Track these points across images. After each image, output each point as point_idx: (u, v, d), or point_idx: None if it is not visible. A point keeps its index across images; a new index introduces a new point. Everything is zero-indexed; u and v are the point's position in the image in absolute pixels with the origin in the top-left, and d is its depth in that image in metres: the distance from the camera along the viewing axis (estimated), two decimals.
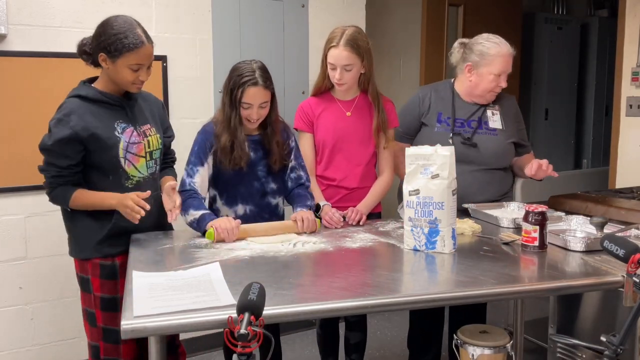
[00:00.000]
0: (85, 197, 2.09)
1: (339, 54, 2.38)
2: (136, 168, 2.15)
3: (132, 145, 2.12)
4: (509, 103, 2.70)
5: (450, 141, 2.51)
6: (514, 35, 5.11)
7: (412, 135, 2.67)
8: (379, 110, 2.50)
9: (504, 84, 2.52)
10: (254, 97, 2.22)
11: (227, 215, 2.33)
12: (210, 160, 2.31)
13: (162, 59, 3.08)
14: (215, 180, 2.37)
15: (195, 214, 2.19)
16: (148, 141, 2.19)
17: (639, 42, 3.69)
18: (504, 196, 2.66)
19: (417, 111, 2.65)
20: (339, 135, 2.52)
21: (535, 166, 2.44)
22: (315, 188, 2.51)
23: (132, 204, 2.00)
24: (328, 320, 2.74)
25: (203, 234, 2.14)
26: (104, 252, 2.12)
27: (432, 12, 4.57)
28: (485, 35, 2.55)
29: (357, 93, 2.56)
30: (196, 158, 2.30)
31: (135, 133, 2.14)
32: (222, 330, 1.26)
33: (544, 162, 2.45)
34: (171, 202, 2.14)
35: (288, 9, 3.47)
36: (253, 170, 2.35)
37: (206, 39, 3.22)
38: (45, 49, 2.77)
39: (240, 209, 2.38)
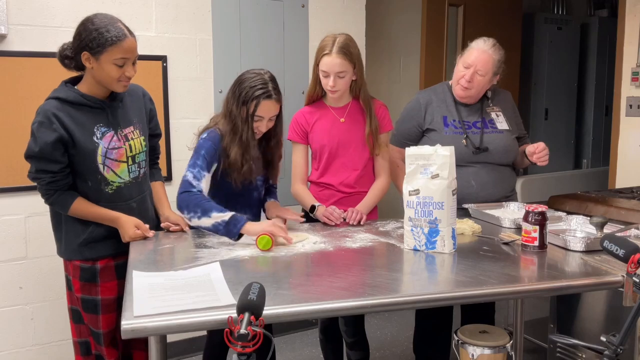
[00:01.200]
0: (86, 209, 2.08)
1: (332, 61, 2.38)
2: (116, 174, 2.10)
3: (112, 150, 2.07)
4: (505, 98, 2.71)
5: (464, 142, 2.51)
6: (514, 35, 5.12)
7: (413, 141, 2.62)
8: (371, 117, 2.51)
9: (467, 77, 2.48)
10: (267, 111, 2.19)
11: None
12: (214, 168, 2.24)
13: (162, 59, 3.08)
14: (217, 190, 2.30)
15: (222, 215, 2.07)
16: (130, 145, 2.12)
17: (639, 42, 3.69)
18: (512, 192, 2.66)
19: (420, 117, 2.62)
20: (335, 141, 2.53)
21: (532, 149, 2.47)
22: (306, 191, 2.56)
23: (135, 236, 2.08)
24: (327, 322, 2.73)
25: (236, 237, 2.05)
26: (84, 255, 2.10)
27: (432, 12, 4.57)
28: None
29: (349, 99, 2.56)
30: (203, 162, 2.19)
31: (115, 138, 2.08)
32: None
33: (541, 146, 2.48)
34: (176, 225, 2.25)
35: (288, 9, 3.47)
36: (253, 181, 2.34)
37: (206, 39, 3.22)
38: (45, 49, 2.77)
39: None
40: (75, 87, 2.06)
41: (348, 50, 2.39)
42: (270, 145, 2.34)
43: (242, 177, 2.25)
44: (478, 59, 2.47)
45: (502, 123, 2.61)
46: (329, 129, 2.54)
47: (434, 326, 2.67)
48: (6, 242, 2.81)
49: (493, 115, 2.62)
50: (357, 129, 2.53)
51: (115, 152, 2.07)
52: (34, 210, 2.83)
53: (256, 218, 2.42)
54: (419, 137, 2.63)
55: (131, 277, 1.67)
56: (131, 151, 2.13)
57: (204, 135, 2.27)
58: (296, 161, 2.59)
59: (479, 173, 2.53)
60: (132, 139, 2.13)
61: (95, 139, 2.03)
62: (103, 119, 2.07)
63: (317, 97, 2.58)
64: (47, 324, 2.95)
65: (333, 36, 2.43)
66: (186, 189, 2.16)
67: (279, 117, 2.30)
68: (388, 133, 2.61)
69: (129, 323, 1.38)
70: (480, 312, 2.61)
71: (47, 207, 2.87)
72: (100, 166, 2.05)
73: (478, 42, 2.53)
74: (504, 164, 2.60)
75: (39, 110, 2.00)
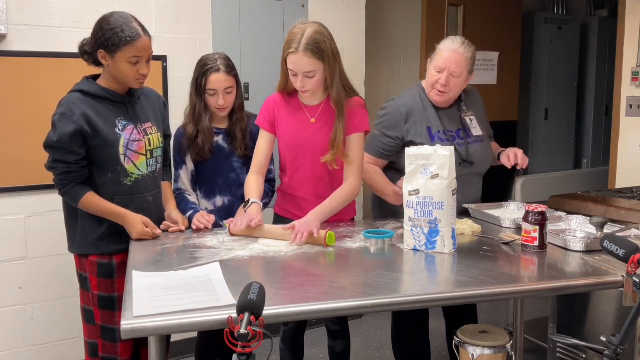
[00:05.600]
0: (95, 204, 2.10)
1: (299, 61, 2.12)
2: (136, 166, 2.16)
3: (133, 142, 2.14)
4: (475, 99, 2.63)
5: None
6: (514, 35, 5.12)
7: (391, 153, 2.49)
8: (340, 121, 2.24)
9: (442, 81, 2.37)
10: (217, 83, 2.33)
11: (206, 209, 2.44)
12: (188, 159, 2.44)
13: (162, 59, 3.08)
14: (198, 174, 2.48)
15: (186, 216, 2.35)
16: (149, 139, 2.20)
17: (639, 42, 3.69)
18: (480, 199, 2.64)
19: (400, 130, 2.46)
20: (301, 146, 2.30)
21: (512, 156, 2.47)
22: (255, 185, 2.31)
23: (143, 232, 2.09)
24: (290, 331, 2.54)
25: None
26: (101, 249, 2.13)
27: (432, 12, 4.57)
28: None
29: (324, 97, 2.30)
30: (176, 163, 2.46)
31: (135, 131, 2.16)
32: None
33: (519, 152, 2.48)
34: (175, 226, 2.26)
35: (288, 9, 3.47)
36: (229, 161, 2.44)
37: (206, 39, 3.22)
38: (45, 49, 2.77)
39: (219, 200, 2.48)
40: (95, 82, 2.15)
41: (317, 47, 2.12)
42: (232, 121, 2.45)
43: (197, 151, 2.40)
44: (450, 59, 2.37)
45: (476, 128, 2.54)
46: (297, 129, 2.31)
47: (411, 328, 2.66)
48: (6, 242, 2.81)
49: (467, 120, 2.54)
50: (328, 132, 2.27)
51: (135, 144, 2.15)
52: (34, 210, 2.84)
53: (236, 199, 2.47)
54: (398, 149, 2.45)
55: (131, 277, 1.67)
56: (150, 145, 2.20)
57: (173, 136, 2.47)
58: (258, 150, 2.36)
59: (464, 186, 2.42)
60: (150, 134, 2.22)
61: (117, 130, 2.11)
62: (123, 112, 2.15)
63: (290, 90, 2.32)
64: (47, 324, 2.95)
65: (302, 28, 2.15)
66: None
67: (239, 94, 2.44)
68: (362, 134, 2.31)
69: (129, 323, 1.38)
70: (463, 314, 2.60)
71: (47, 207, 2.88)
72: (122, 157, 2.11)
73: (446, 43, 2.43)
74: (483, 173, 2.61)
75: (62, 102, 2.09)
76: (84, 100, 2.07)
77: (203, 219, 2.26)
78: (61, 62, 2.78)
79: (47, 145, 2.06)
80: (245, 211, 2.22)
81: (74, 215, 2.16)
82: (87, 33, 2.14)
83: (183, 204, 2.40)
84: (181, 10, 3.14)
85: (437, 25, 4.59)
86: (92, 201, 2.10)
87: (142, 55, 2.06)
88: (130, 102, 2.17)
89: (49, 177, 2.17)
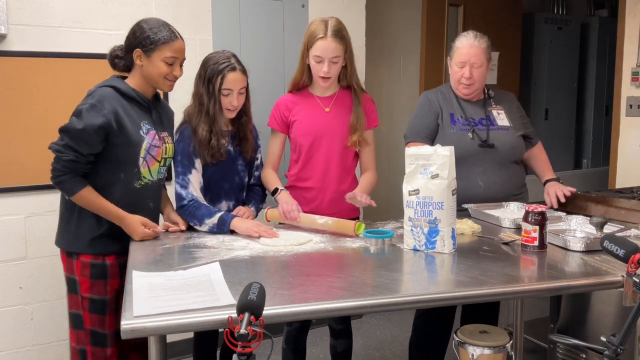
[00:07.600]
0: (93, 200, 2.06)
1: (328, 46, 2.30)
2: (149, 171, 2.17)
3: (154, 148, 2.16)
4: (508, 99, 2.76)
5: (471, 136, 2.53)
6: (514, 35, 5.12)
7: (432, 137, 2.60)
8: (358, 106, 2.41)
9: (467, 74, 2.53)
10: (234, 82, 2.25)
11: None
12: (197, 163, 2.29)
13: None
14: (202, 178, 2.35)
15: (212, 219, 2.21)
16: (165, 147, 2.22)
17: (639, 42, 3.69)
18: (522, 190, 2.67)
19: (434, 111, 2.61)
20: (317, 133, 2.42)
21: (553, 196, 2.53)
22: (274, 176, 2.46)
23: (144, 234, 2.09)
24: (293, 332, 2.57)
25: (230, 232, 2.21)
26: (96, 249, 2.10)
27: (432, 12, 4.57)
28: None
29: (337, 89, 2.46)
30: (183, 167, 2.27)
31: (157, 137, 2.17)
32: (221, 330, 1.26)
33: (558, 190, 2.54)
34: (174, 225, 2.27)
35: (288, 9, 3.47)
36: (234, 164, 2.39)
37: (206, 39, 3.22)
38: (45, 49, 2.77)
39: (224, 205, 2.39)
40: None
41: (342, 34, 2.34)
42: (241, 122, 2.38)
43: (212, 153, 2.27)
44: (469, 53, 2.53)
45: (503, 120, 2.64)
46: (312, 118, 2.43)
47: (433, 331, 2.65)
48: (6, 242, 2.81)
49: (495, 113, 2.64)
50: (343, 120, 2.42)
51: (155, 149, 2.17)
52: (34, 210, 2.84)
53: (237, 203, 2.42)
54: (437, 130, 2.61)
55: (131, 277, 1.67)
56: (165, 153, 2.23)
57: (177, 138, 2.33)
58: (271, 149, 2.49)
59: (486, 173, 2.53)
60: (167, 142, 2.23)
61: (142, 133, 2.12)
62: (148, 117, 2.17)
63: (303, 85, 2.47)
64: (47, 324, 2.95)
65: (323, 20, 2.35)
66: (179, 203, 2.28)
67: (247, 95, 2.35)
68: (373, 130, 2.50)
69: (128, 323, 1.38)
70: (482, 314, 2.59)
71: (47, 207, 2.88)
72: (141, 160, 2.12)
73: (460, 40, 2.59)
74: (512, 162, 2.61)
75: (93, 94, 2.07)
76: (116, 97, 2.07)
77: (260, 227, 2.16)
78: (61, 62, 2.78)
79: (67, 130, 2.00)
80: (275, 199, 2.38)
81: (70, 211, 2.12)
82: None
83: (204, 209, 2.23)
84: (181, 10, 3.14)
85: (437, 25, 4.60)
86: (91, 197, 2.05)
87: (178, 56, 2.11)
88: (155, 108, 2.20)
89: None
